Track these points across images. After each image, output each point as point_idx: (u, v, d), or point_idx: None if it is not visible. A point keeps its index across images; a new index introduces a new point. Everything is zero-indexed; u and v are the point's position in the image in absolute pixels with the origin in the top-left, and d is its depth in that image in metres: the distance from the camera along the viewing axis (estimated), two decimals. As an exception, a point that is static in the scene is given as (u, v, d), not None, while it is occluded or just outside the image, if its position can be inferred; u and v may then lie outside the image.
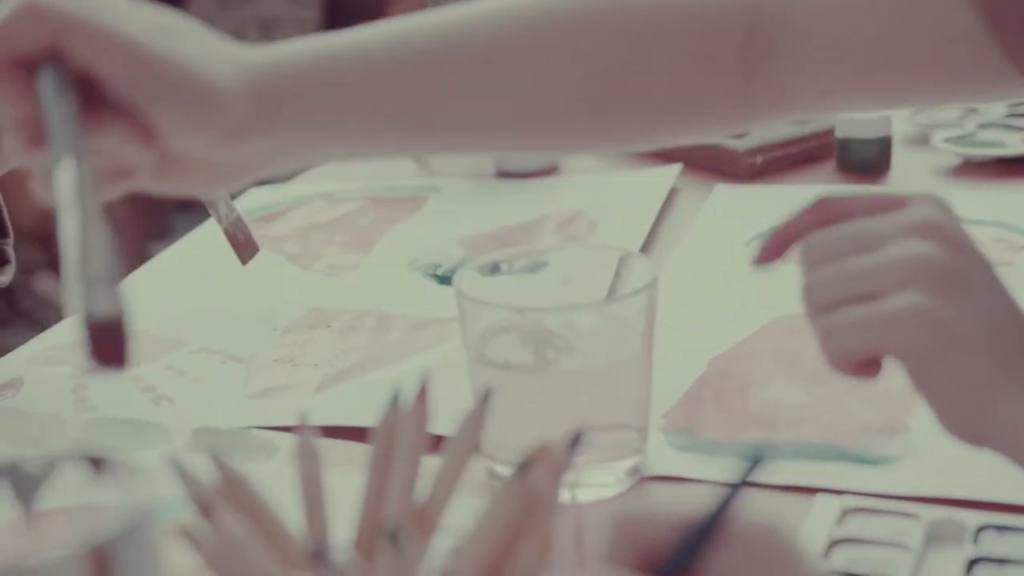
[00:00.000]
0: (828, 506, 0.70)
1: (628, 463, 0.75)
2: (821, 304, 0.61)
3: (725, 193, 1.16)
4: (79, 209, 0.54)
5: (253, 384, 0.88)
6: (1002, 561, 0.64)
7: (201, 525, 0.51)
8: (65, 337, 0.97)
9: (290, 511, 0.55)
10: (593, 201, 1.15)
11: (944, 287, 0.58)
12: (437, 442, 0.59)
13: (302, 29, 2.94)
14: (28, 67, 0.60)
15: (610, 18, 0.71)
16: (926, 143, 1.23)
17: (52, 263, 2.85)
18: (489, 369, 0.74)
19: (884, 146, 1.19)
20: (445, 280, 1.01)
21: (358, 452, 0.75)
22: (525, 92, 0.70)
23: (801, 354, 0.87)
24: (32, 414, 0.86)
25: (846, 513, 0.69)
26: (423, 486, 0.56)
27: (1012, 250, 1.01)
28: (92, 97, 0.61)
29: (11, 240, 0.98)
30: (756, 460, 0.44)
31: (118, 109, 0.62)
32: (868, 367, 0.60)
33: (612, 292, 0.77)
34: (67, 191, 0.56)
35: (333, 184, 1.26)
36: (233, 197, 1.02)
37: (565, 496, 0.73)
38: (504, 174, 1.25)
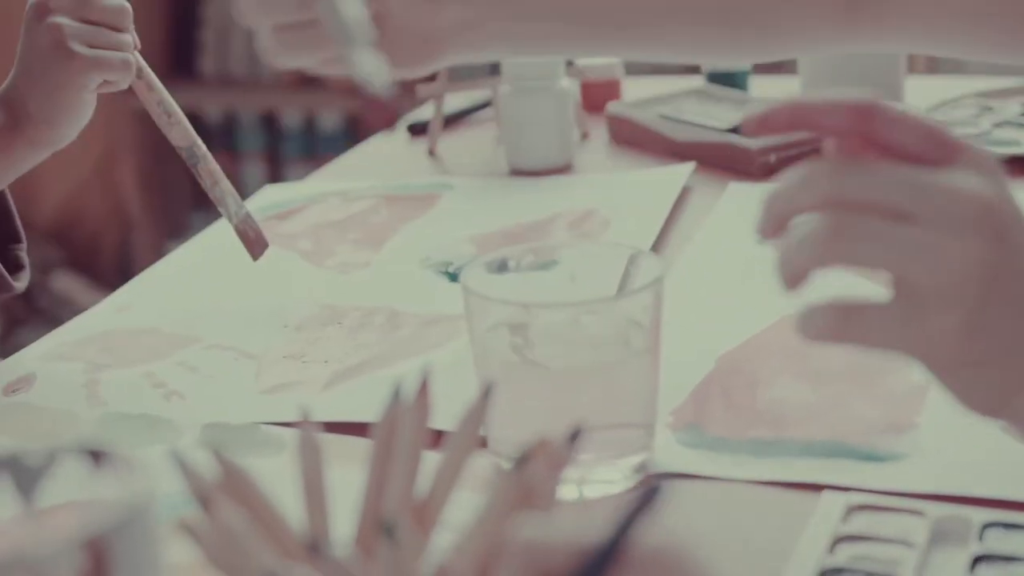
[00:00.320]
0: (833, 503, 0.70)
1: (635, 460, 0.75)
2: (837, 197, 0.53)
3: (738, 191, 1.16)
4: None
5: (263, 380, 0.88)
6: (1008, 559, 0.64)
7: (201, 518, 0.51)
8: (78, 334, 0.98)
9: (296, 506, 0.56)
10: (605, 199, 1.15)
11: (1006, 236, 0.53)
12: (439, 437, 0.59)
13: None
14: None
15: None
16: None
17: (68, 262, 2.86)
18: (495, 366, 0.74)
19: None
20: (456, 278, 1.02)
21: (362, 447, 0.75)
22: None
23: (810, 352, 0.87)
24: (44, 409, 0.86)
25: (851, 510, 0.69)
26: (424, 481, 0.56)
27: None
28: None
29: (24, 245, 0.99)
30: (656, 489, 0.44)
31: None
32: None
33: (621, 290, 0.77)
34: None
35: (348, 182, 1.26)
36: (243, 193, 1.03)
37: (568, 491, 0.73)
38: (517, 172, 1.25)
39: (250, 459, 0.78)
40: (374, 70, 0.70)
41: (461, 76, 1.29)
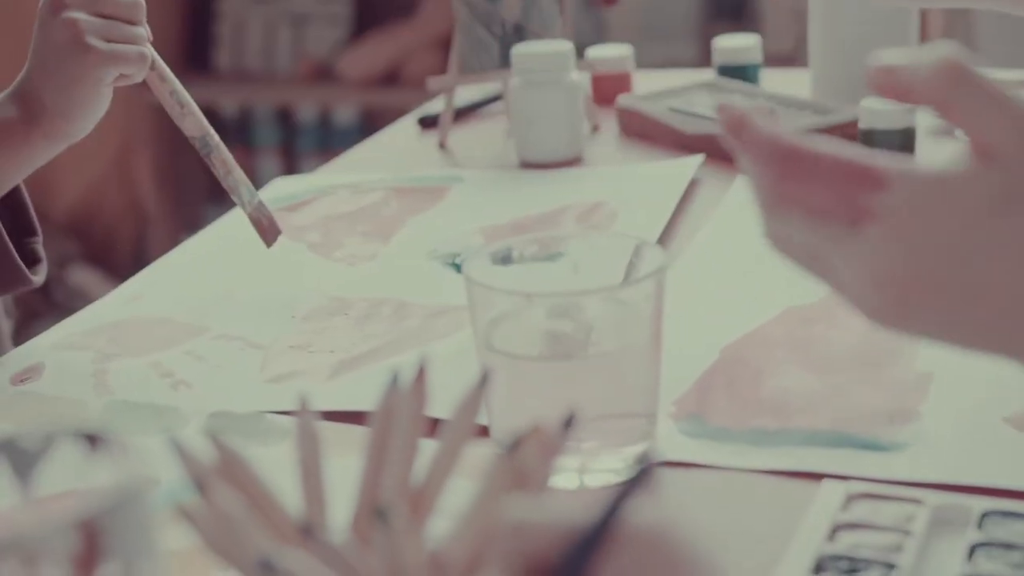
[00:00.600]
0: (833, 491, 0.70)
1: (636, 449, 0.75)
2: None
3: (747, 184, 1.16)
4: None
5: (269, 370, 0.89)
6: (1006, 546, 0.64)
7: (198, 503, 0.51)
8: (88, 323, 0.99)
9: (297, 493, 0.56)
10: (614, 191, 1.15)
11: None
12: (438, 426, 0.59)
13: (333, 24, 2.95)
14: None
15: None
16: (950, 134, 1.22)
17: (85, 256, 2.87)
18: (498, 356, 0.74)
19: (908, 137, 1.18)
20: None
21: (363, 436, 0.75)
22: None
23: (814, 343, 0.87)
24: (51, 398, 0.87)
25: (851, 498, 0.69)
26: (421, 469, 0.56)
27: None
28: None
29: (40, 238, 1.00)
30: (645, 465, 0.44)
31: None
32: None
33: (626, 280, 0.77)
34: None
35: (358, 174, 1.27)
36: (257, 186, 1.04)
37: (569, 480, 0.73)
38: (527, 165, 1.26)
39: (254, 447, 0.79)
40: None
41: (472, 69, 1.29)
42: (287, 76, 2.98)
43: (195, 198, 3.00)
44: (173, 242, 2.76)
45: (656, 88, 1.36)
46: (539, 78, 1.24)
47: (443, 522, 0.54)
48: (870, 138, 1.18)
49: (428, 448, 0.57)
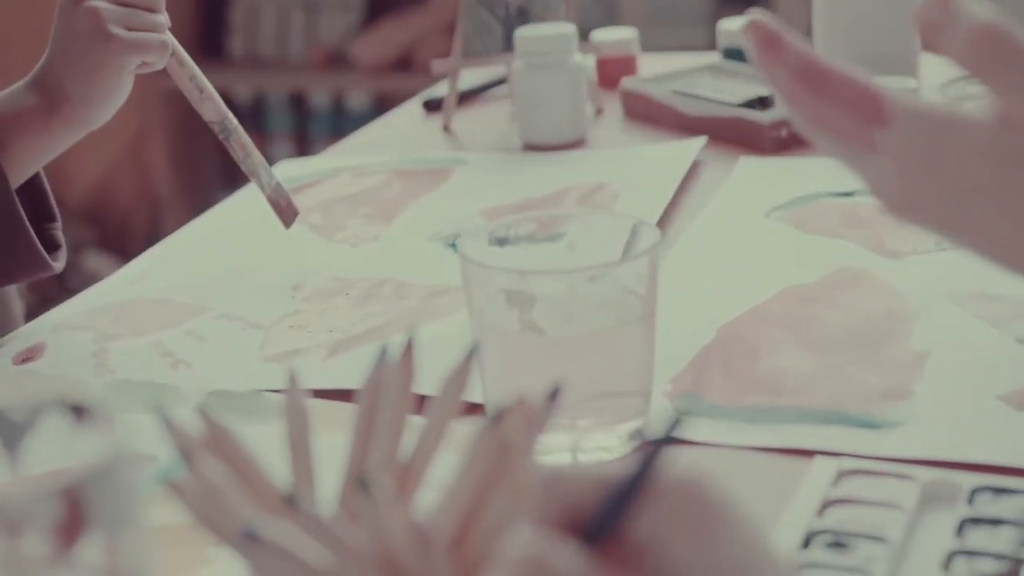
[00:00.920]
0: (825, 467, 0.70)
1: (631, 427, 0.76)
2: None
3: (749, 166, 1.16)
4: None
5: (268, 349, 0.90)
6: (994, 521, 0.64)
7: (187, 477, 0.52)
8: (91, 304, 0.99)
9: (285, 468, 0.57)
10: (616, 173, 1.16)
11: None
12: (427, 403, 0.59)
13: (346, 10, 2.96)
14: None
15: None
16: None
17: (100, 241, 2.89)
18: (492, 334, 0.74)
19: (911, 118, 1.18)
20: (464, 250, 1.02)
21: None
22: None
23: (811, 322, 0.87)
24: (52, 377, 0.87)
25: (842, 475, 0.70)
26: (408, 444, 0.56)
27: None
28: None
29: (59, 224, 1.00)
30: (678, 420, 0.44)
31: None
32: None
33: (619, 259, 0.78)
34: None
35: (362, 157, 1.27)
36: (271, 165, 1.05)
37: (562, 457, 0.74)
38: (531, 148, 1.26)
39: (252, 425, 0.79)
40: None
41: (476, 52, 1.29)
42: (300, 62, 2.98)
43: (209, 184, 3.01)
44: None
45: (661, 71, 1.36)
46: (542, 61, 1.24)
47: (430, 496, 0.54)
48: (873, 119, 1.18)
49: (416, 423, 0.57)
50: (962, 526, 0.65)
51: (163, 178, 2.98)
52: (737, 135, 1.22)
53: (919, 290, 0.90)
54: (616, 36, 1.43)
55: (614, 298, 0.75)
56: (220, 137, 1.01)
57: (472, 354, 0.57)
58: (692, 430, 0.76)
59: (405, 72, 2.83)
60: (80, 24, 0.92)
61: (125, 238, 2.96)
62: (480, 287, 0.75)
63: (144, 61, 0.95)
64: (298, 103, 3.02)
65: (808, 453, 0.73)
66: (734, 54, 1.38)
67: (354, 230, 1.10)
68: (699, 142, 1.20)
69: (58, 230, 1.00)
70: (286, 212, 1.04)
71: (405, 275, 1.00)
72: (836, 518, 0.66)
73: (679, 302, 0.91)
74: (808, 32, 1.43)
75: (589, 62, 1.38)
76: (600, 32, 1.44)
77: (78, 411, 0.49)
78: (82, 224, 2.86)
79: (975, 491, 0.67)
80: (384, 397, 0.56)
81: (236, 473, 0.53)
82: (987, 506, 0.66)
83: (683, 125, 1.26)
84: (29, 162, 0.96)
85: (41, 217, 0.99)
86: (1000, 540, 0.63)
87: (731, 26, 1.40)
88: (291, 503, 0.49)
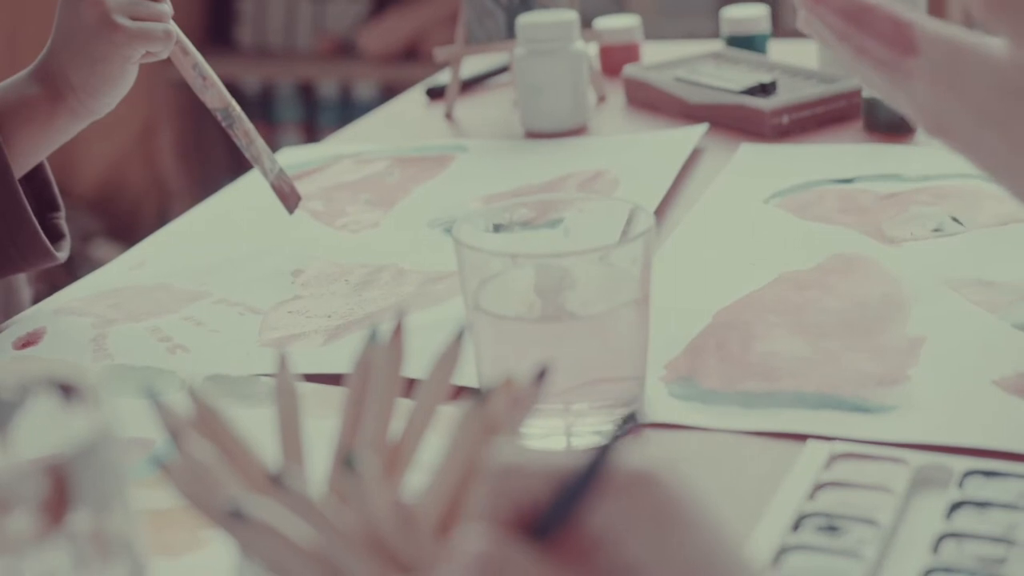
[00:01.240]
0: (817, 451, 0.70)
1: (624, 411, 0.76)
2: None
3: (750, 152, 1.16)
4: None
5: (266, 334, 0.90)
6: (983, 504, 0.64)
7: (175, 456, 0.52)
8: (91, 289, 1.00)
9: (275, 449, 0.57)
10: (616, 160, 1.16)
11: None
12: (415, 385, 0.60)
13: (353, 2, 2.96)
14: None
15: None
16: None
17: (109, 231, 2.89)
18: (486, 318, 0.75)
19: (912, 106, 1.18)
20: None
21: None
22: None
23: (807, 308, 0.87)
24: (51, 362, 0.88)
25: (834, 458, 0.70)
26: (398, 424, 0.57)
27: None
28: None
29: (63, 214, 1.01)
30: (632, 418, 0.43)
31: None
32: None
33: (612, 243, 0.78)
34: None
35: (364, 144, 1.27)
36: (274, 151, 1.06)
37: (556, 442, 0.74)
38: (532, 135, 1.26)
39: (249, 409, 0.80)
40: None
41: (478, 39, 1.29)
42: (308, 52, 2.98)
43: (217, 173, 3.01)
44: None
45: (664, 58, 1.36)
46: (543, 47, 1.24)
47: (420, 476, 0.54)
48: (874, 106, 1.18)
49: (406, 406, 0.57)
50: (952, 509, 0.65)
51: (172, 168, 2.99)
52: (738, 122, 1.22)
53: (916, 276, 0.90)
54: (619, 24, 1.43)
55: (609, 282, 0.75)
56: (223, 125, 1.02)
57: (461, 337, 0.58)
58: (686, 415, 0.76)
59: (412, 62, 2.83)
60: (84, 13, 0.92)
61: (134, 227, 2.97)
62: (474, 271, 0.75)
63: (149, 51, 0.95)
64: (306, 93, 3.03)
65: (802, 437, 0.73)
66: (737, 41, 1.38)
67: (355, 216, 1.10)
68: (700, 129, 1.20)
69: (62, 219, 1.00)
70: (289, 198, 1.04)
71: (404, 261, 1.00)
72: (827, 501, 0.66)
73: (676, 287, 0.91)
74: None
75: (592, 50, 1.38)
76: (603, 20, 1.45)
77: (67, 390, 0.49)
78: (91, 214, 2.87)
79: (967, 474, 0.67)
80: (373, 379, 0.56)
81: (224, 452, 0.53)
82: (978, 489, 0.66)
83: (685, 112, 1.26)
84: (33, 152, 0.96)
85: (45, 207, 0.99)
86: (989, 523, 0.63)
87: (734, 14, 1.40)
88: (278, 482, 0.50)
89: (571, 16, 1.24)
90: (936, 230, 0.97)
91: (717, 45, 1.40)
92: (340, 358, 0.84)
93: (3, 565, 0.44)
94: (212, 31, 2.99)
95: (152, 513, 0.69)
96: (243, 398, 0.81)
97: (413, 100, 1.45)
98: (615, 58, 1.41)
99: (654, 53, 1.43)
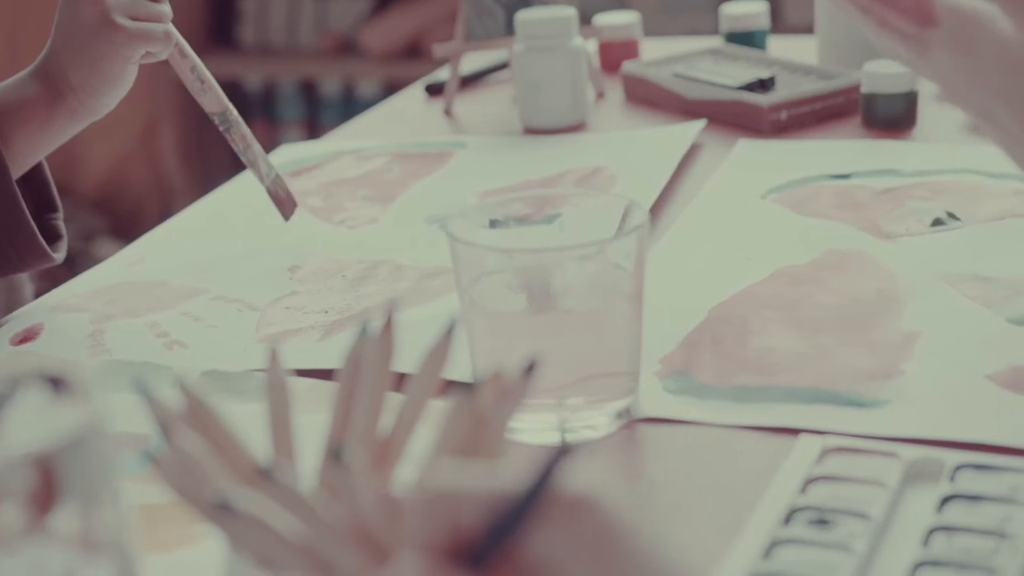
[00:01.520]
0: (809, 445, 0.70)
1: (618, 405, 0.76)
2: None
3: (748, 148, 1.16)
4: None
5: (263, 330, 0.90)
6: (975, 498, 0.65)
7: (166, 449, 0.52)
8: (89, 286, 1.00)
9: (265, 443, 0.57)
10: (614, 156, 1.16)
11: None
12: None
13: (356, 1, 2.96)
14: None
15: None
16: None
17: (112, 230, 2.90)
18: (480, 313, 0.75)
19: (910, 101, 1.18)
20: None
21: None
22: None
23: (802, 303, 0.87)
24: (48, 358, 0.88)
25: (826, 452, 0.70)
26: (388, 418, 0.57)
27: (1029, 202, 1.01)
28: None
29: (61, 214, 1.01)
30: (568, 446, 0.42)
31: None
32: None
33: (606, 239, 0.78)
34: None
35: (363, 140, 1.27)
36: (269, 154, 1.06)
37: (550, 436, 0.74)
38: (531, 131, 1.26)
39: (245, 405, 0.80)
40: None
41: (477, 36, 1.30)
42: (310, 50, 2.99)
43: (219, 173, 3.01)
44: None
45: (663, 55, 1.36)
46: (542, 44, 1.24)
47: (409, 470, 0.55)
48: (872, 102, 1.18)
49: (397, 400, 0.58)
50: (943, 502, 0.65)
51: (174, 167, 2.99)
52: (737, 118, 1.22)
53: (911, 271, 0.90)
54: (618, 20, 1.43)
55: (602, 277, 0.75)
56: (220, 128, 1.02)
57: (451, 331, 0.58)
58: (680, 409, 0.77)
59: (414, 59, 2.84)
60: (84, 13, 0.92)
61: (136, 226, 2.97)
62: (468, 267, 0.75)
63: (148, 51, 0.95)
64: (308, 91, 3.03)
65: (796, 432, 0.73)
66: (737, 38, 1.38)
67: (353, 212, 1.11)
68: (698, 125, 1.20)
69: (59, 220, 1.00)
70: (285, 204, 1.04)
71: (401, 257, 1.00)
72: (819, 495, 0.66)
73: (672, 282, 0.91)
74: (810, 26, 1.43)
75: (591, 46, 1.38)
76: (603, 16, 1.45)
77: (56, 384, 0.49)
78: (94, 212, 2.87)
79: (958, 468, 0.67)
80: (364, 373, 0.56)
81: (214, 446, 0.54)
82: (968, 483, 0.66)
83: (683, 108, 1.26)
84: (32, 152, 0.96)
85: (43, 207, 1.00)
86: (980, 516, 0.63)
87: (733, 10, 1.40)
88: (266, 475, 0.50)
89: (570, 13, 1.24)
90: (933, 225, 0.97)
91: (716, 41, 1.40)
92: (336, 353, 0.84)
93: (-9, 557, 0.44)
94: (214, 29, 2.99)
95: (145, 508, 0.69)
96: (239, 393, 0.81)
97: (413, 96, 1.45)
98: (614, 54, 1.41)
99: (653, 50, 1.44)
